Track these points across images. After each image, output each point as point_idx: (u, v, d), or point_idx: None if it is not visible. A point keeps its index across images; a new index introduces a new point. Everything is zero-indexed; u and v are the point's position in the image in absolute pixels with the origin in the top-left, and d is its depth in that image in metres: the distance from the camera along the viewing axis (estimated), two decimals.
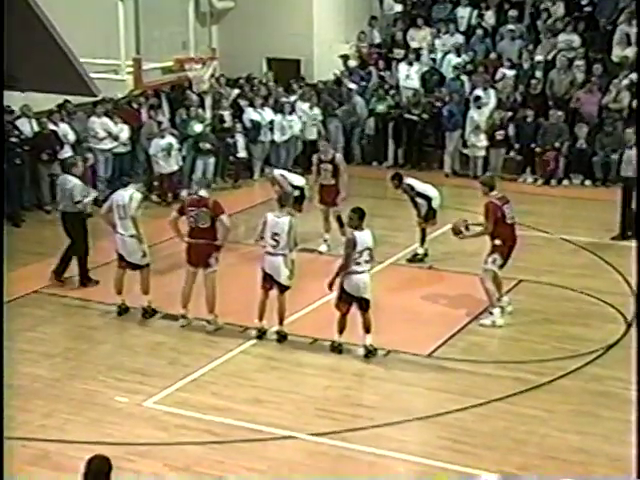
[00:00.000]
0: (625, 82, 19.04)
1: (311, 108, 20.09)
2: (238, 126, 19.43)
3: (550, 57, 20.37)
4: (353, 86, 21.03)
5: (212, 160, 18.76)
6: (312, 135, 20.05)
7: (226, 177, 19.52)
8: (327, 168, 14.80)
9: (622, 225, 15.28)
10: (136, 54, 12.14)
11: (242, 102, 19.99)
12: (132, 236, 12.23)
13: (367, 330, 11.23)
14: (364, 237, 11.05)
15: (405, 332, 11.92)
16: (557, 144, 18.85)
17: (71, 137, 17.58)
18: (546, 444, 9.37)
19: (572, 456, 9.14)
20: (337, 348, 11.40)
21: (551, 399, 10.28)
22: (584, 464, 9.00)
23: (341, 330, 11.32)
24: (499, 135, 19.31)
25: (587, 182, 19.06)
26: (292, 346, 11.64)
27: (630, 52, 19.67)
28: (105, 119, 17.86)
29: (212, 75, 17.59)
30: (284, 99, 20.37)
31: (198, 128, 18.64)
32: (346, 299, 11.15)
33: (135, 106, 18.77)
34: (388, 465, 9.12)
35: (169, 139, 17.69)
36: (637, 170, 14.48)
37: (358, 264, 10.99)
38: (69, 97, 16.51)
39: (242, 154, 19.53)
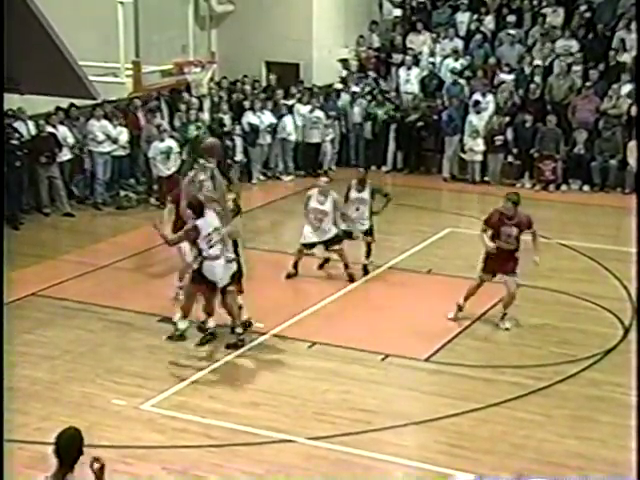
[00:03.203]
0: (625, 88, 19.04)
1: (312, 111, 20.12)
2: (237, 128, 19.45)
3: (548, 63, 20.40)
4: (357, 89, 21.03)
5: None
6: (315, 138, 20.10)
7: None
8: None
9: None
10: (136, 57, 12.15)
11: (245, 104, 19.97)
12: None
13: (209, 314, 11.48)
14: (207, 220, 11.08)
15: (403, 336, 11.92)
16: (554, 150, 18.89)
17: (70, 140, 17.59)
18: (544, 449, 9.38)
19: (570, 461, 9.14)
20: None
21: (549, 404, 10.28)
22: (582, 469, 9.00)
23: (209, 313, 11.53)
24: (498, 140, 19.32)
25: (585, 187, 19.12)
26: (290, 349, 11.65)
27: (628, 58, 19.70)
28: (104, 122, 17.86)
29: (211, 79, 17.61)
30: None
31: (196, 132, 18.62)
32: (200, 280, 11.18)
33: (136, 110, 18.72)
34: (386, 469, 9.12)
35: (169, 142, 17.63)
36: (637, 173, 14.37)
37: (212, 247, 11.05)
38: (72, 101, 16.52)
39: (239, 157, 19.55)
